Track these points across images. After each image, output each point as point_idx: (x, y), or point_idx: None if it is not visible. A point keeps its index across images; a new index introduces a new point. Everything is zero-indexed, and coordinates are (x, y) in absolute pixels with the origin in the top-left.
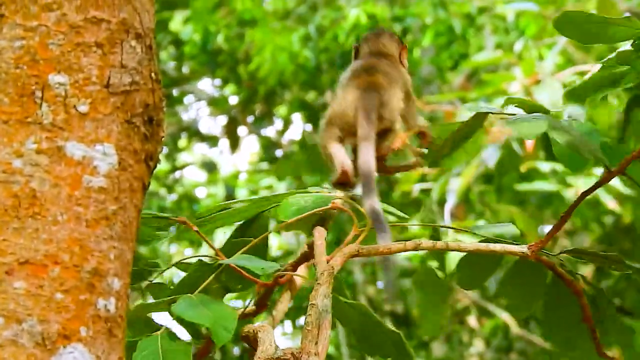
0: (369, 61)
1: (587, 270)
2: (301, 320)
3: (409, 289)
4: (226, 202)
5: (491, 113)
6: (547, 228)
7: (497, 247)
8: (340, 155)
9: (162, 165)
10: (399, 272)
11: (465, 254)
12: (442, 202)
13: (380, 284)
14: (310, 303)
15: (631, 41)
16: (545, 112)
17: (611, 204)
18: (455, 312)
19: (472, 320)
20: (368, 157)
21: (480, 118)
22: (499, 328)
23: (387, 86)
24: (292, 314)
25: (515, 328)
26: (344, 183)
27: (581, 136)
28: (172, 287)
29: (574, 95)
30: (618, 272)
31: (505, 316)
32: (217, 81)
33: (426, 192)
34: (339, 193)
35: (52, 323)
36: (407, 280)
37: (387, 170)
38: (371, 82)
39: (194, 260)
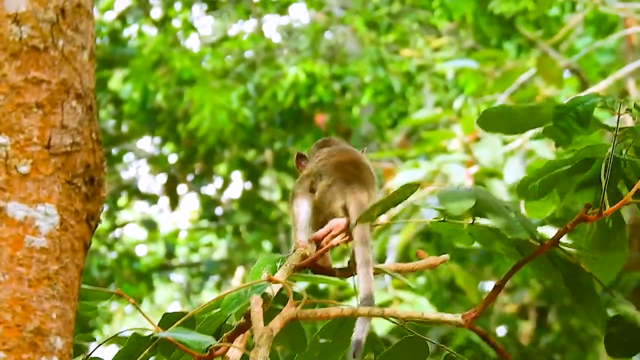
0: (345, 153)
1: (527, 327)
2: None
3: (348, 344)
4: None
5: (423, 184)
6: (488, 285)
7: (432, 315)
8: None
9: (102, 224)
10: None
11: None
12: (382, 259)
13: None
14: None
15: None
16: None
17: None
18: None
19: None
20: (370, 284)
21: (410, 188)
22: None
23: (371, 189)
24: None
25: None
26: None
27: (510, 210)
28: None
29: (523, 191)
30: (561, 327)
31: None
32: (157, 140)
33: None
34: (280, 274)
35: None
36: None
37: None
38: (358, 191)
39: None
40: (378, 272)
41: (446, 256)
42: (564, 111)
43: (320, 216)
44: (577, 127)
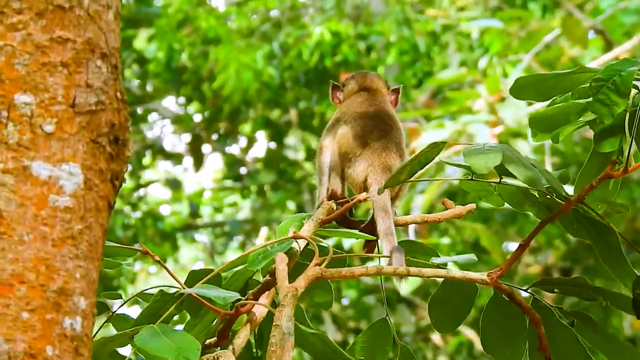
0: (375, 117)
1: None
2: None
3: (373, 305)
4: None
5: (449, 143)
6: (512, 245)
7: (457, 274)
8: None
9: (127, 183)
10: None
11: (434, 294)
12: None
13: (345, 301)
14: (274, 324)
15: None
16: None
17: None
18: (420, 329)
19: (436, 337)
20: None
21: (436, 147)
22: (464, 345)
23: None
24: None
25: (479, 345)
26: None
27: (537, 167)
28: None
29: (539, 123)
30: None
31: (469, 333)
32: (181, 99)
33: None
34: (306, 229)
35: (19, 342)
36: (371, 297)
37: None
38: (386, 161)
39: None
40: (405, 224)
41: (473, 205)
42: (602, 83)
43: (342, 173)
44: (617, 98)
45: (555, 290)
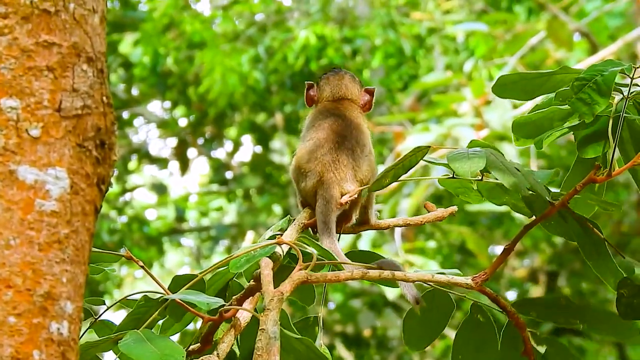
0: (333, 129)
1: (537, 291)
2: None
3: (359, 309)
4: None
5: (433, 147)
6: (498, 248)
7: (442, 278)
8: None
9: (113, 188)
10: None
11: (410, 309)
12: None
13: (331, 305)
14: (260, 328)
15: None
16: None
17: None
18: None
19: None
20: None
21: (421, 151)
22: (450, 349)
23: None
24: None
25: None
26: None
27: (521, 171)
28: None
29: (522, 129)
30: (571, 291)
31: None
32: (167, 103)
33: (377, 212)
34: (289, 234)
35: (5, 347)
36: (357, 301)
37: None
38: (334, 175)
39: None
40: (388, 227)
41: (454, 208)
42: (584, 82)
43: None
44: (598, 98)
45: (531, 314)
